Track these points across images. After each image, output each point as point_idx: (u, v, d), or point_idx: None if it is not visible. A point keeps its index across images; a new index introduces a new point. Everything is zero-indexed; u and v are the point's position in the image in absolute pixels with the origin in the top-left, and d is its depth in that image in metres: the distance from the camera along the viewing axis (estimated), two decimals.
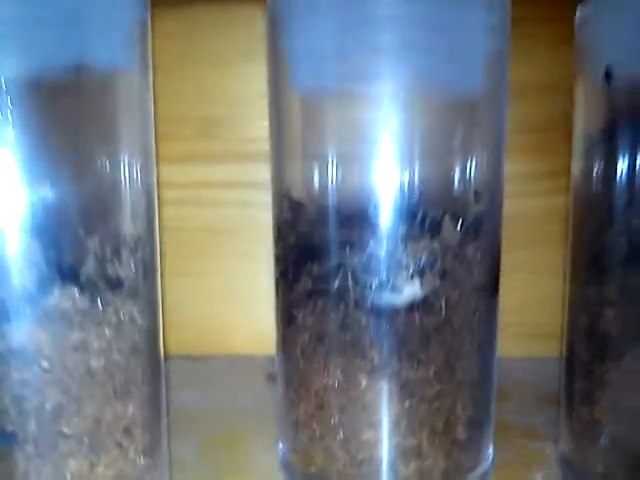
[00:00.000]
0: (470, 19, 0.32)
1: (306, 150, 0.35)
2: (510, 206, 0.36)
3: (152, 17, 0.31)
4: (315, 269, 0.33)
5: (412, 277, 0.32)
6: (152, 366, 0.30)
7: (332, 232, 0.33)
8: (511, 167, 0.36)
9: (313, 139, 0.34)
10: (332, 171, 0.34)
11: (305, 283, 0.33)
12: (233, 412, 0.43)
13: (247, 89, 0.49)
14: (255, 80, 0.47)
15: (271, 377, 0.46)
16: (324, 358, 0.33)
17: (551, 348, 0.46)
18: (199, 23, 0.49)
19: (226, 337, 0.51)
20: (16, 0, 0.25)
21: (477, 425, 0.34)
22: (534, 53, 0.47)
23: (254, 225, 0.49)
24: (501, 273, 0.35)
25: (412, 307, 0.32)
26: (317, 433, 0.34)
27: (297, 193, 0.35)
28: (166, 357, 0.33)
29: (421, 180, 0.33)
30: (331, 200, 0.34)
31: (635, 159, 0.32)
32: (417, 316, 0.32)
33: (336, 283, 0.33)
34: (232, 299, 0.51)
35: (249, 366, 0.48)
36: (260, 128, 0.48)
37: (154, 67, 0.31)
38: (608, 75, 0.31)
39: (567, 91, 0.38)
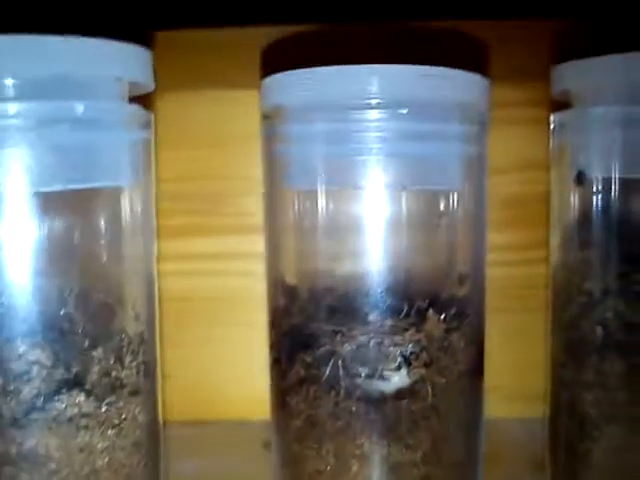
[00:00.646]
0: (448, 130, 0.34)
1: (299, 241, 0.37)
2: (492, 273, 0.38)
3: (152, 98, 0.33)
4: (307, 357, 0.35)
5: (399, 366, 0.33)
6: (153, 458, 0.32)
7: (323, 321, 0.34)
8: (493, 238, 0.38)
9: (305, 232, 0.36)
10: (323, 262, 0.36)
11: (297, 370, 0.35)
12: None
13: (244, 166, 0.51)
14: (252, 157, 0.48)
15: (267, 444, 0.47)
16: (317, 443, 0.35)
17: (537, 409, 0.47)
18: (198, 105, 0.51)
19: (224, 403, 0.52)
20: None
21: None
22: (511, 134, 0.49)
23: (252, 294, 0.51)
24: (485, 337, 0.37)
25: (400, 394, 0.34)
26: None
27: (290, 281, 0.37)
28: (164, 423, 0.34)
29: (407, 271, 0.35)
30: (322, 290, 0.35)
31: (608, 252, 0.34)
32: (404, 403, 0.34)
33: (327, 371, 0.34)
34: (230, 366, 0.52)
35: (246, 432, 0.49)
36: (257, 202, 0.49)
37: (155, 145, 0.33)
38: (579, 179, 0.33)
39: (544, 168, 0.40)
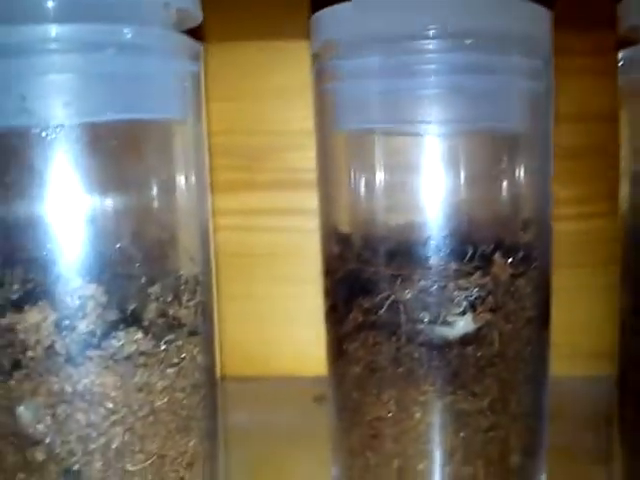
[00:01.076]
0: (514, 63, 0.32)
1: (353, 186, 0.35)
2: (556, 228, 0.36)
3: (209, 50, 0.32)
4: (365, 302, 0.33)
5: (464, 311, 0.32)
6: (211, 401, 0.31)
7: (382, 266, 0.33)
8: (556, 190, 0.36)
9: (359, 176, 0.35)
10: (380, 206, 0.34)
11: (355, 316, 0.34)
12: (282, 434, 0.44)
13: (290, 122, 0.50)
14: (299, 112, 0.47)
15: (319, 399, 0.46)
16: (377, 389, 0.33)
17: (601, 367, 0.46)
18: (246, 60, 0.49)
19: (272, 359, 0.51)
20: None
21: (531, 454, 0.34)
22: (575, 84, 0.46)
23: (299, 250, 0.50)
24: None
25: (464, 340, 0.32)
26: (371, 462, 0.34)
27: (345, 229, 0.35)
28: None
29: (470, 213, 0.33)
30: (380, 235, 0.34)
31: None
32: (470, 349, 0.32)
33: (387, 316, 0.33)
34: (278, 322, 0.51)
35: (296, 388, 0.48)
36: (304, 159, 0.48)
37: (209, 100, 0.32)
38: None
39: (601, 119, 0.38)
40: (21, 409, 0.27)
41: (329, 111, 0.35)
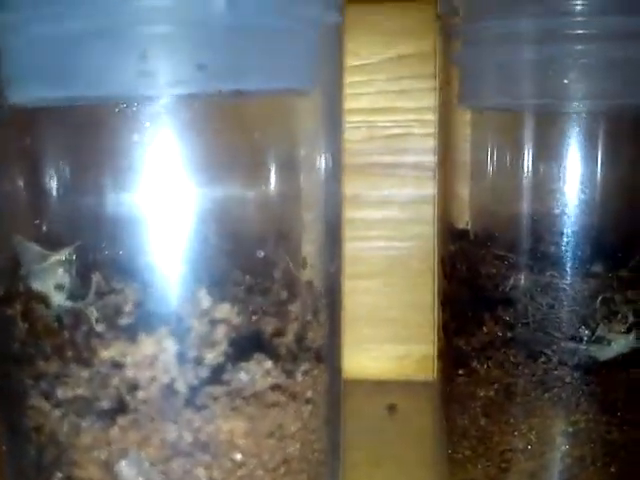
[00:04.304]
0: None
1: (484, 172, 0.29)
2: None
3: None
4: (504, 314, 0.27)
5: (630, 327, 0.26)
6: (337, 439, 0.25)
7: (524, 272, 0.27)
8: None
9: (493, 161, 0.29)
10: (519, 197, 0.28)
11: (490, 329, 0.28)
12: (357, 449, 0.37)
13: None
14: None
15: (392, 408, 0.40)
16: (514, 418, 0.28)
17: None
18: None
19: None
20: None
21: None
22: None
23: (358, 241, 0.44)
24: None
25: (622, 360, 0.27)
26: None
27: (470, 224, 0.29)
28: None
29: (629, 210, 0.28)
30: (520, 231, 0.28)
31: None
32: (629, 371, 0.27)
33: (531, 332, 0.27)
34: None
35: (361, 393, 0.42)
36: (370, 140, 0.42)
37: None
38: None
39: None
40: (122, 465, 0.20)
41: (453, 85, 0.29)
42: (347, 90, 0.42)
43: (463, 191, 0.29)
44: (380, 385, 0.42)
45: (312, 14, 0.21)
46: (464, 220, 0.29)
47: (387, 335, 0.41)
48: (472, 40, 0.28)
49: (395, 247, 0.43)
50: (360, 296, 0.44)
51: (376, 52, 0.41)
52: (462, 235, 0.29)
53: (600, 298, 0.26)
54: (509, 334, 0.27)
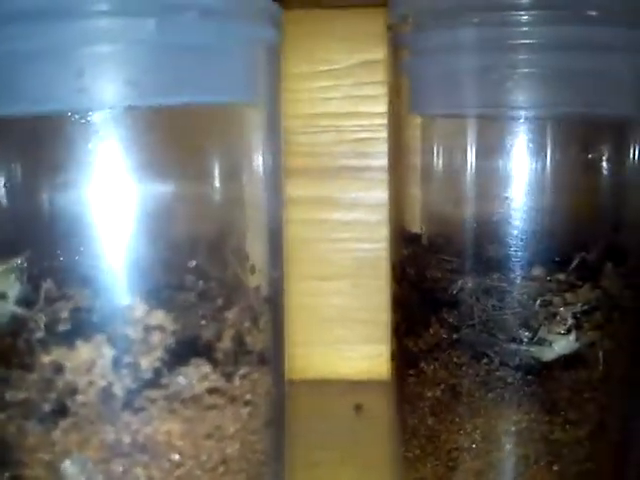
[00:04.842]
0: (626, 38, 0.27)
1: (430, 180, 0.30)
2: None
3: None
4: (449, 317, 0.28)
5: (569, 329, 0.27)
6: (281, 439, 0.26)
7: (469, 275, 0.28)
8: None
9: (441, 167, 0.30)
10: (465, 202, 0.29)
11: (436, 332, 0.29)
12: (320, 448, 0.38)
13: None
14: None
15: (359, 407, 0.41)
16: (460, 417, 0.29)
17: None
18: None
19: (304, 360, 0.46)
20: None
21: None
22: None
23: (330, 243, 0.44)
24: None
25: (565, 361, 0.28)
26: None
27: (419, 229, 0.30)
28: None
29: (571, 215, 0.28)
30: (465, 235, 0.29)
31: None
32: (570, 372, 0.28)
33: (475, 334, 0.28)
34: (310, 321, 0.46)
35: (332, 392, 0.43)
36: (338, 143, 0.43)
37: None
38: None
39: None
40: (66, 465, 0.21)
41: (404, 93, 0.29)
42: (317, 94, 0.44)
43: (413, 196, 0.30)
44: (351, 385, 0.43)
45: (248, 33, 0.22)
46: (414, 225, 0.30)
47: (358, 336, 0.42)
48: (420, 49, 0.29)
49: (364, 249, 0.44)
50: (331, 297, 0.45)
51: (343, 58, 0.42)
52: (412, 239, 0.30)
53: (540, 301, 0.27)
54: (454, 336, 0.28)
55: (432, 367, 0.29)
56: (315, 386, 0.43)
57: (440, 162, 0.29)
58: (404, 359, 0.30)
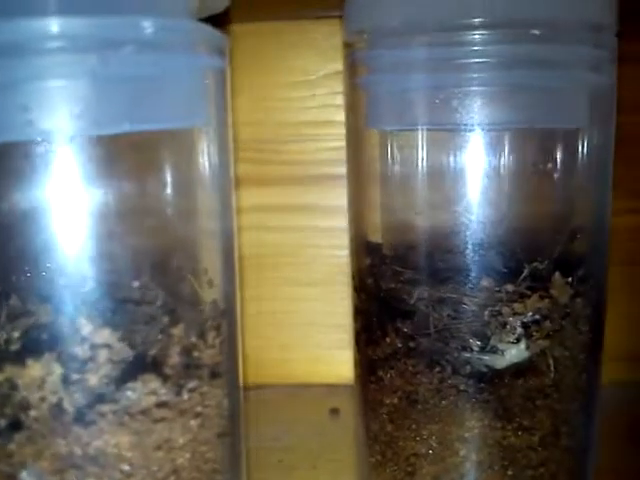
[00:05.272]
0: (576, 55, 0.28)
1: (387, 192, 0.31)
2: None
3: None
4: (404, 326, 0.29)
5: (518, 338, 0.28)
6: (236, 449, 0.27)
7: (423, 285, 0.29)
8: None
9: (395, 181, 0.30)
10: (418, 216, 0.30)
11: (392, 341, 0.30)
12: (294, 452, 0.40)
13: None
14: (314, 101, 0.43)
15: (334, 412, 0.42)
16: (416, 424, 0.29)
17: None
18: (261, 43, 0.44)
19: (283, 365, 0.47)
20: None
21: None
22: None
23: (310, 249, 0.46)
24: None
25: (516, 370, 0.28)
26: None
27: (378, 238, 0.31)
28: None
29: (523, 226, 0.29)
30: (420, 249, 0.30)
31: None
32: (522, 380, 0.28)
33: (429, 343, 0.29)
34: (289, 326, 0.47)
35: (309, 397, 0.44)
36: (318, 151, 0.44)
37: None
38: None
39: None
40: (23, 476, 0.22)
41: (361, 108, 0.30)
42: (296, 104, 0.45)
43: (371, 207, 0.31)
44: (329, 389, 0.44)
45: (192, 62, 0.23)
46: (372, 235, 0.31)
47: (336, 341, 0.43)
48: (374, 67, 0.30)
49: (344, 255, 0.45)
50: (310, 303, 0.46)
51: (317, 68, 0.43)
52: (370, 250, 0.31)
53: (489, 311, 0.28)
54: (409, 345, 0.29)
55: (389, 375, 0.29)
56: (293, 390, 0.45)
57: (395, 175, 0.30)
58: (365, 367, 0.31)
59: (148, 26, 0.21)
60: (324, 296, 0.44)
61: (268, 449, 0.39)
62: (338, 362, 0.40)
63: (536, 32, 0.27)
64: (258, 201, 0.45)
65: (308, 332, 0.46)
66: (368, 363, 0.31)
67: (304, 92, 0.44)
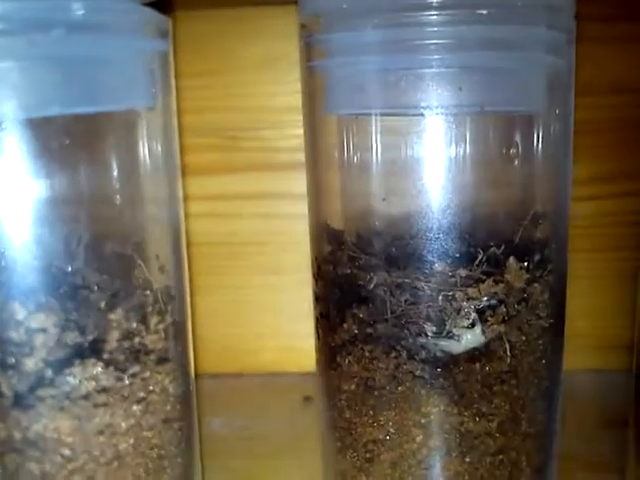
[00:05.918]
0: (532, 36, 0.28)
1: (345, 177, 0.31)
2: (574, 208, 0.32)
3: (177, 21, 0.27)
4: (360, 312, 0.29)
5: (473, 323, 0.28)
6: (187, 433, 0.27)
7: (379, 271, 0.29)
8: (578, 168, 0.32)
9: (352, 166, 0.30)
10: (375, 202, 0.30)
11: (349, 327, 0.29)
12: (264, 440, 0.40)
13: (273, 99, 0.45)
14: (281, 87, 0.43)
15: (307, 399, 0.42)
16: (373, 410, 0.29)
17: (618, 360, 0.42)
18: (225, 29, 0.44)
19: (253, 354, 0.47)
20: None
21: (541, 472, 0.31)
22: (603, 53, 0.42)
23: (285, 237, 0.45)
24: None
25: (472, 355, 0.28)
26: None
27: (337, 225, 0.31)
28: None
29: (479, 212, 0.29)
30: (375, 235, 0.30)
31: None
32: (478, 365, 0.28)
33: (385, 328, 0.29)
34: (258, 314, 0.47)
35: (280, 385, 0.44)
36: (284, 138, 0.44)
37: (178, 76, 0.27)
38: None
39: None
40: None
41: (318, 92, 0.30)
42: (262, 89, 0.44)
43: (329, 193, 0.31)
44: (302, 377, 0.44)
45: (133, 44, 0.23)
46: (330, 221, 0.31)
47: (310, 329, 0.43)
48: (329, 50, 0.29)
49: None
50: (283, 291, 0.46)
51: (283, 54, 0.43)
52: (328, 235, 0.31)
53: (443, 296, 0.28)
54: (366, 331, 0.29)
55: (347, 361, 0.29)
56: (265, 379, 0.45)
57: (353, 160, 0.30)
58: (325, 353, 0.31)
59: (78, 7, 0.21)
60: (294, 284, 0.44)
61: (239, 438, 0.39)
62: (311, 350, 0.40)
63: (490, 12, 0.27)
64: (224, 189, 0.45)
65: (280, 320, 0.46)
66: (328, 350, 0.30)
67: (273, 77, 0.43)
